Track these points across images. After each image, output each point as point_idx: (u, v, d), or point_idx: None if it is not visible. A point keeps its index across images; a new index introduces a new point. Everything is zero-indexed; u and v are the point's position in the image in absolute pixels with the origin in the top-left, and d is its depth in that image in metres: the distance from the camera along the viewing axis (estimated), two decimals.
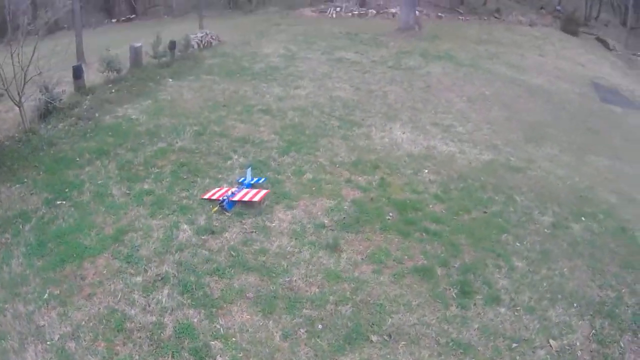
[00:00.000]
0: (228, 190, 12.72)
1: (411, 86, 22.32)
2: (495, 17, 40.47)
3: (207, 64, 23.38)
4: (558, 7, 45.70)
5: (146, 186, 13.14)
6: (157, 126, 16.30)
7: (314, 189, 13.51)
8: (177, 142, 15.34)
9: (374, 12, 37.99)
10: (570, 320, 10.37)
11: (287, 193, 13.18)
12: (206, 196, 12.62)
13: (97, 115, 16.82)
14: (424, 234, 12.20)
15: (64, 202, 12.43)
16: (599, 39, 41.47)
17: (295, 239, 11.52)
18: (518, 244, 12.42)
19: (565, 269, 11.80)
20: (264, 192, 12.60)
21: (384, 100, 20.30)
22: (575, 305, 10.78)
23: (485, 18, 40.09)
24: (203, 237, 11.30)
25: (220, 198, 12.32)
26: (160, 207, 12.27)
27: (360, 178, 14.31)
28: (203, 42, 26.23)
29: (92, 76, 19.76)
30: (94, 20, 39.55)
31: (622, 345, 10.05)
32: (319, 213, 12.49)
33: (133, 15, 42.23)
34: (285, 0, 40.82)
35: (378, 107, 19.45)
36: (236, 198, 12.28)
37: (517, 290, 10.91)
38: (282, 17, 36.65)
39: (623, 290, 11.46)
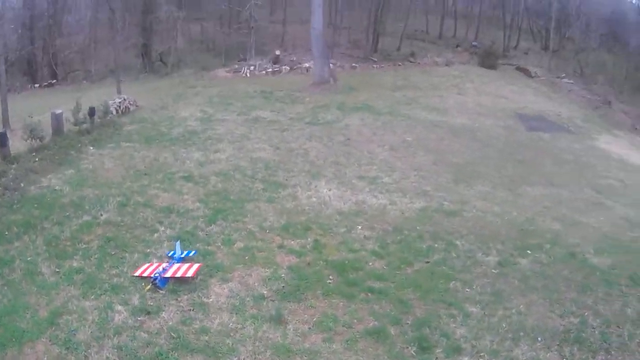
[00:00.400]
0: (159, 265, 12.54)
1: (331, 141, 22.87)
2: (411, 62, 42.28)
3: (126, 131, 23.51)
4: (474, 43, 48.24)
5: (75, 264, 12.80)
6: (81, 197, 16.14)
7: (247, 258, 13.44)
8: (101, 215, 15.14)
9: (288, 68, 39.07)
10: (538, 355, 10.57)
11: (220, 265, 13.07)
12: (137, 273, 12.39)
13: (22, 185, 16.66)
14: (369, 294, 12.25)
15: None
16: (519, 68, 44.19)
17: (236, 314, 11.33)
18: (468, 290, 12.66)
19: (521, 306, 12.09)
20: (196, 266, 12.47)
21: (305, 158, 20.66)
22: (539, 339, 11.01)
23: (400, 63, 41.80)
24: (140, 318, 10.97)
25: (152, 275, 12.09)
26: (92, 287, 11.91)
27: (293, 242, 14.37)
28: (121, 108, 26.66)
29: (17, 143, 19.81)
30: (18, 84, 40.11)
31: None
32: (256, 284, 12.39)
33: (54, 80, 42.87)
34: (200, 61, 41.52)
35: (300, 166, 19.78)
36: (168, 274, 12.09)
37: (477, 336, 11.05)
38: (197, 79, 37.17)
39: (586, 314, 11.88)
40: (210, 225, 14.95)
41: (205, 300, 11.71)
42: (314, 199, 17.01)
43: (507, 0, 53.32)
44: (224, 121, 25.14)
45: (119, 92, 29.89)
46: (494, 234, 15.44)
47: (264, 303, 11.70)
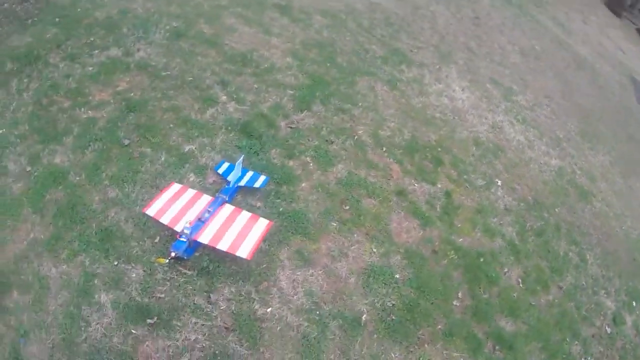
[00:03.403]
0: (203, 209, 6.25)
1: (459, 12, 16.21)
2: None
3: None
4: None
5: (57, 159, 7.15)
6: (123, 13, 10.02)
7: (347, 208, 7.26)
8: (138, 49, 9.14)
9: None
10: None
11: (306, 222, 6.88)
12: (151, 212, 6.23)
13: None
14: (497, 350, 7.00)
15: None
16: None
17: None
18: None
19: None
20: (263, 226, 6.12)
21: (432, 23, 14.22)
22: None
23: None
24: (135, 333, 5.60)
25: (181, 229, 5.96)
26: (68, 228, 6.34)
27: (416, 187, 8.24)
28: None
29: None
30: None
31: None
32: (352, 278, 6.65)
33: None
34: None
35: (428, 34, 13.43)
36: (203, 239, 5.95)
37: None
38: None
39: None
40: (301, 112, 8.63)
41: (260, 311, 6.12)
42: (446, 100, 10.94)
43: None
44: None
45: None
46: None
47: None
